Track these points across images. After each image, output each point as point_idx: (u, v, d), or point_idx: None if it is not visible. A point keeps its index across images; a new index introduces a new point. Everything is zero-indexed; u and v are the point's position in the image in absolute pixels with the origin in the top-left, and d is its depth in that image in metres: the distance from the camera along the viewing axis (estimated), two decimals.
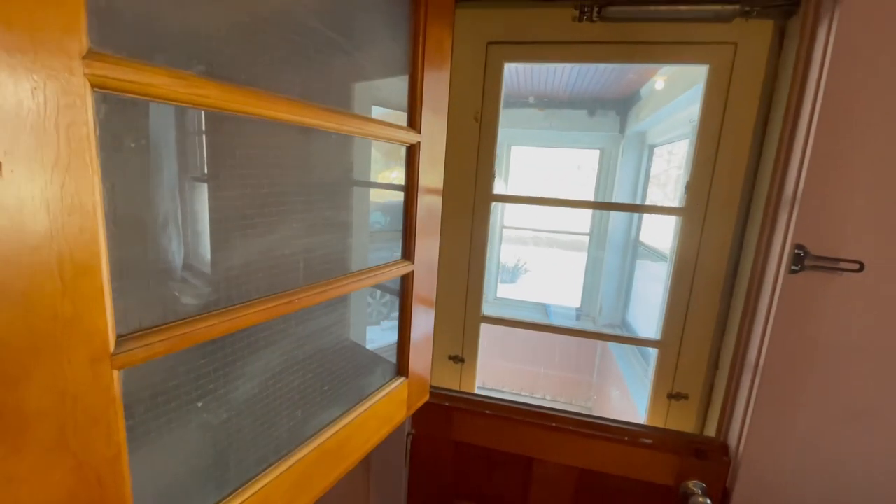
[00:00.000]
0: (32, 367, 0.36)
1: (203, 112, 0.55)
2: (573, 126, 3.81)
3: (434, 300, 1.01)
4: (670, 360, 1.24)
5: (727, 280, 1.16)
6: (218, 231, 0.59)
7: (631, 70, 2.90)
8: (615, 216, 3.86)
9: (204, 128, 0.57)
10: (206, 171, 0.59)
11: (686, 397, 1.24)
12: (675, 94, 2.53)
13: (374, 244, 0.90)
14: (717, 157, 1.11)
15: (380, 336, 0.97)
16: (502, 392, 4.40)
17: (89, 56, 0.37)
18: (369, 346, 0.95)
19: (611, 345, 3.58)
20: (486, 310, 1.38)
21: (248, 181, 0.62)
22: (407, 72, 0.83)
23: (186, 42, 0.51)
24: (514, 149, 4.12)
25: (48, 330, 0.37)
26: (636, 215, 3.69)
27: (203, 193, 0.59)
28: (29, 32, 0.33)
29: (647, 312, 3.40)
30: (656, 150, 3.46)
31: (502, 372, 4.51)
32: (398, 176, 0.88)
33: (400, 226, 0.89)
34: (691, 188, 1.15)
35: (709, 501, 1.03)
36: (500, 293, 4.90)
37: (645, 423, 1.24)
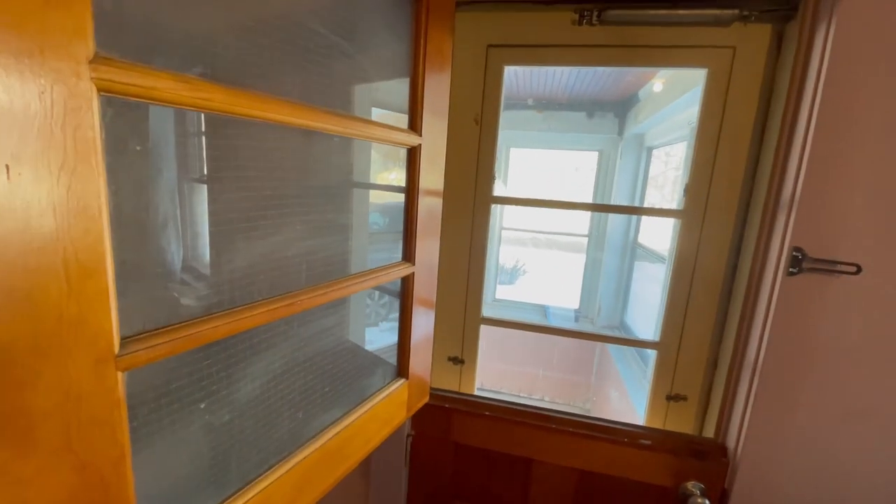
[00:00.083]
0: (39, 369, 0.37)
1: (204, 115, 0.55)
2: (572, 128, 3.82)
3: (434, 302, 1.01)
4: (669, 362, 1.25)
5: (726, 282, 1.16)
6: (220, 233, 0.60)
7: (629, 73, 2.91)
8: (613, 218, 3.86)
9: (206, 130, 0.58)
10: (208, 173, 0.59)
11: (685, 398, 1.25)
12: (673, 97, 2.55)
13: (374, 246, 0.91)
14: (716, 160, 1.12)
15: (378, 337, 0.97)
16: (501, 393, 4.40)
17: (96, 60, 0.38)
18: (368, 348, 0.95)
19: (609, 346, 3.59)
20: (485, 311, 1.39)
21: (250, 183, 0.62)
22: (408, 74, 0.83)
23: (189, 45, 0.51)
24: (512, 151, 4.12)
25: (54, 331, 0.37)
26: (634, 217, 3.69)
27: (205, 196, 0.59)
28: (37, 36, 0.34)
29: (646, 314, 3.41)
30: (654, 152, 3.47)
31: (501, 373, 4.52)
32: (397, 177, 0.89)
33: (400, 227, 0.89)
34: (690, 190, 1.15)
35: (707, 502, 1.04)
36: (499, 295, 4.90)
37: (644, 425, 1.24)
